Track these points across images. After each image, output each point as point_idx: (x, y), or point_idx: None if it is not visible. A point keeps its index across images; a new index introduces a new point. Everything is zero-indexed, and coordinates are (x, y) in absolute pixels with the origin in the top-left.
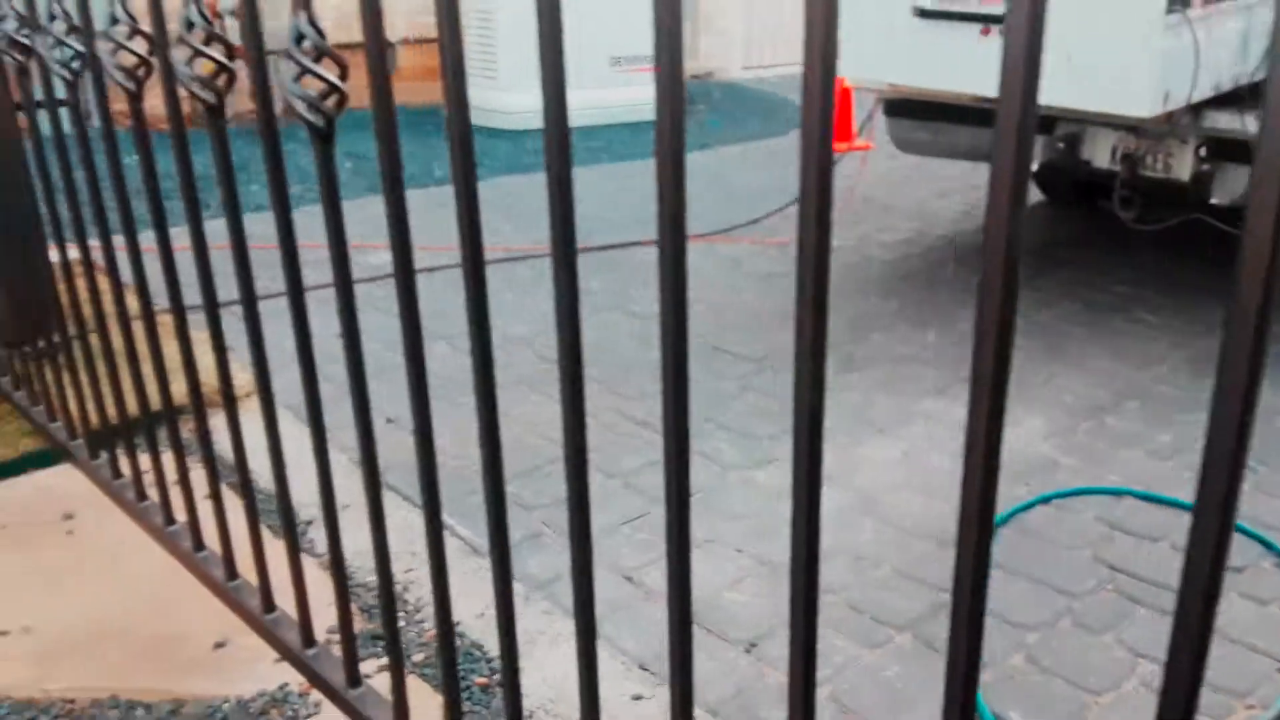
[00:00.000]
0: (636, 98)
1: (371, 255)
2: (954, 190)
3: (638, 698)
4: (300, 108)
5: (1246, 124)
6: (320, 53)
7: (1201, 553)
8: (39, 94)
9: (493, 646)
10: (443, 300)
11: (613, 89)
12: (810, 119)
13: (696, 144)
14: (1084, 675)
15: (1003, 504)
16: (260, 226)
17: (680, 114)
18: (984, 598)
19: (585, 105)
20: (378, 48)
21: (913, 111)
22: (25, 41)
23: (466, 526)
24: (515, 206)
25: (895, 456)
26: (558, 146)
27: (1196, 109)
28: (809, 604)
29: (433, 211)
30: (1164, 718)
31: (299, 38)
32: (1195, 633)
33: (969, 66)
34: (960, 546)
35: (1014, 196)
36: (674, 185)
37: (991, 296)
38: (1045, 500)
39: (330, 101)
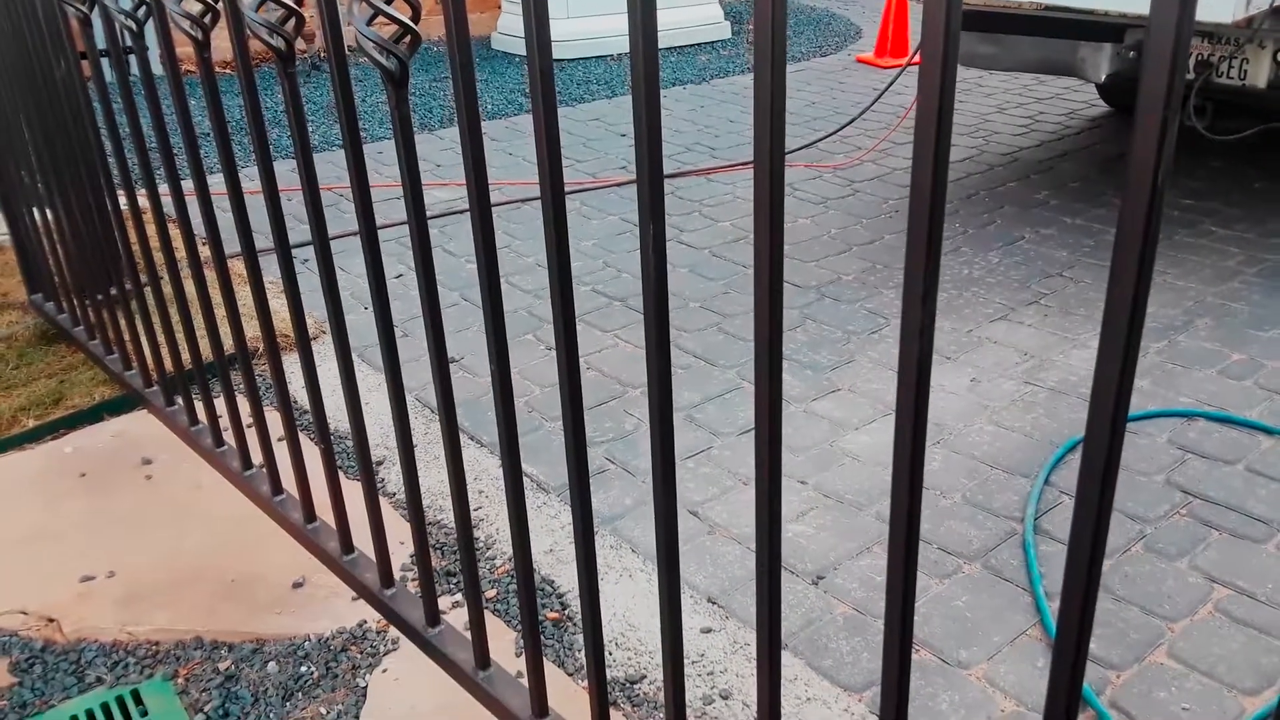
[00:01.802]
0: (683, 20)
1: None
2: (1013, 105)
3: (707, 630)
4: (372, 51)
5: None
6: None
7: None
8: (103, 42)
9: (562, 581)
10: (495, 238)
11: (659, 12)
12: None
13: (744, 65)
14: (1158, 602)
15: (1072, 430)
16: (319, 169)
17: (783, 43)
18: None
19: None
20: None
21: (977, 24)
22: None
23: (531, 463)
24: (563, 141)
25: (964, 384)
26: (645, 82)
27: (1278, 12)
28: (909, 551)
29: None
30: None
31: None
32: None
33: None
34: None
35: (1163, 129)
36: (774, 111)
37: (1137, 202)
38: None
39: (403, 44)
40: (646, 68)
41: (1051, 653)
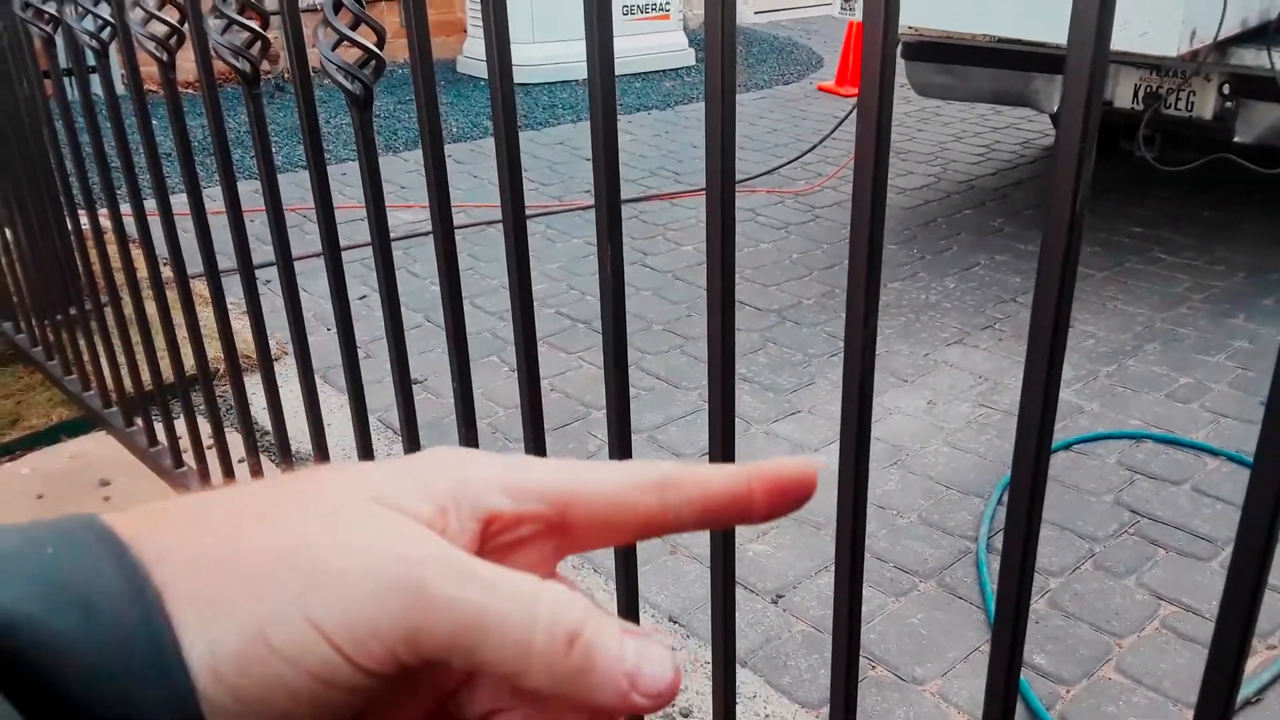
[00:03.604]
0: (647, 47)
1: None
2: (970, 134)
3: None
4: (337, 76)
5: (1274, 60)
6: (358, 19)
7: (1261, 503)
8: (66, 61)
9: None
10: (461, 260)
11: (624, 39)
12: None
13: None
14: (1106, 619)
15: None
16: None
17: (732, 66)
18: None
19: None
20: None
21: (933, 55)
22: (51, 11)
23: None
24: (529, 165)
25: (920, 406)
26: (602, 105)
27: (1221, 46)
28: (855, 560)
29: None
30: (1215, 661)
31: (336, 6)
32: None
33: (990, 6)
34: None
35: (1082, 151)
36: (723, 133)
37: (1056, 233)
38: (1066, 446)
39: (368, 68)
40: (603, 82)
41: (987, 666)
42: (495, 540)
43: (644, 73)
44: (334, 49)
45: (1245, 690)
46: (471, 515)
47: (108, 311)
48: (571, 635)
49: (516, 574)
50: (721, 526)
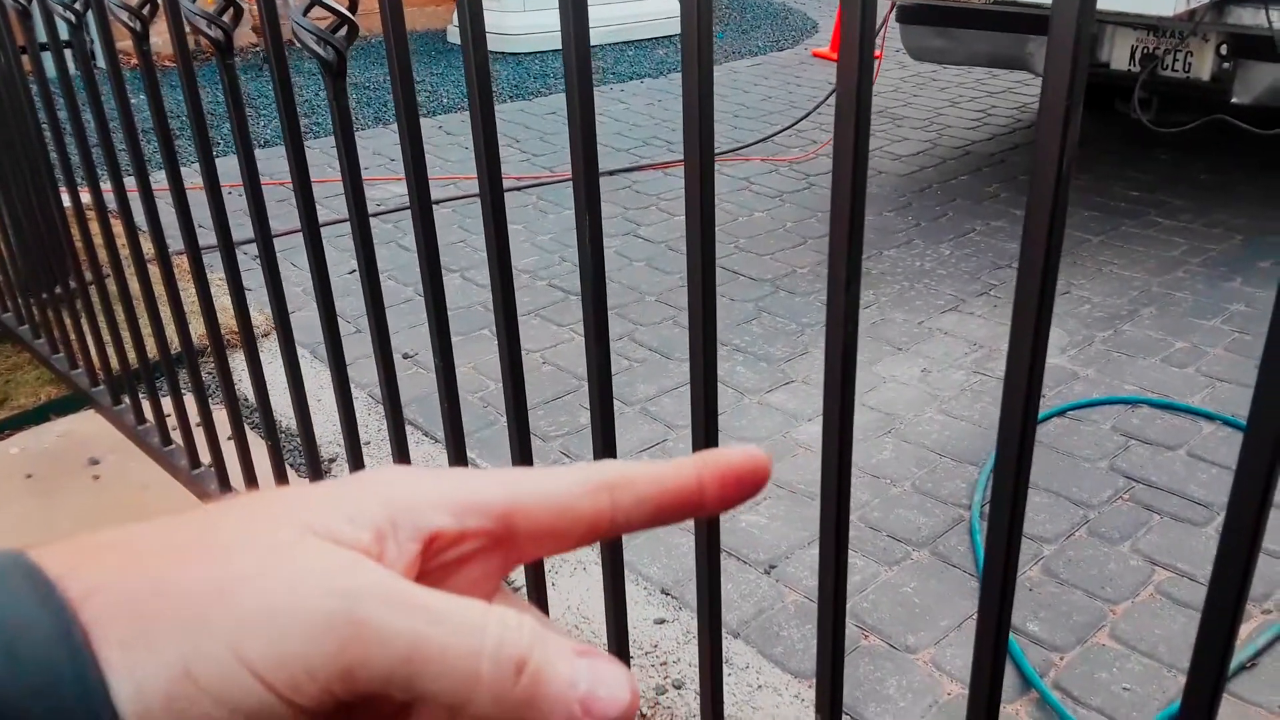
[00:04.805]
0: (640, 14)
1: (375, 189)
2: (966, 99)
3: (660, 621)
4: (309, 42)
5: (1272, 20)
6: None
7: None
8: (42, 36)
9: (513, 575)
10: (451, 232)
11: (617, 6)
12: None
13: None
14: (1101, 585)
15: None
16: (264, 164)
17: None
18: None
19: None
20: None
21: (928, 18)
22: None
23: (485, 459)
24: (521, 135)
25: (914, 374)
26: (578, 71)
27: (1219, 6)
28: (840, 527)
29: (436, 138)
30: (1207, 627)
31: None
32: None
33: None
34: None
35: (1067, 114)
36: (702, 104)
37: (1042, 195)
38: (1061, 412)
39: (341, 34)
40: (578, 50)
41: (974, 635)
42: (438, 559)
43: (637, 40)
44: (305, 14)
45: (1239, 655)
46: (411, 536)
47: (94, 289)
48: (519, 662)
49: (459, 600)
50: (674, 521)
